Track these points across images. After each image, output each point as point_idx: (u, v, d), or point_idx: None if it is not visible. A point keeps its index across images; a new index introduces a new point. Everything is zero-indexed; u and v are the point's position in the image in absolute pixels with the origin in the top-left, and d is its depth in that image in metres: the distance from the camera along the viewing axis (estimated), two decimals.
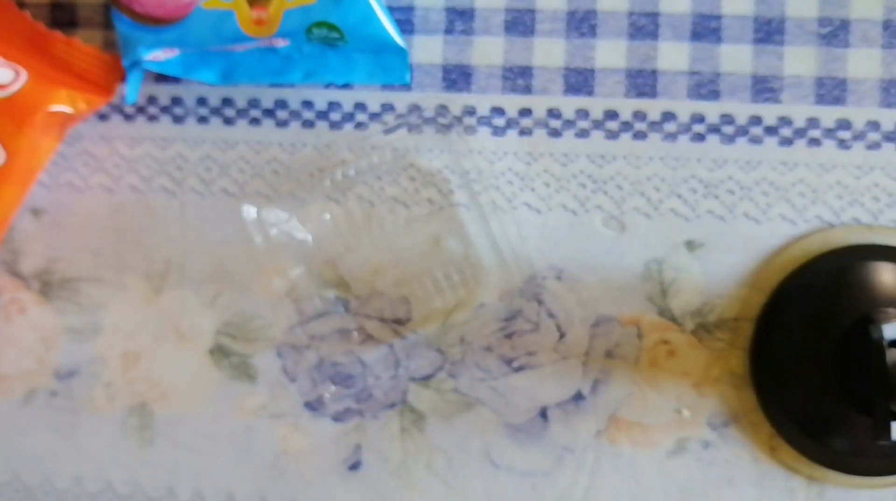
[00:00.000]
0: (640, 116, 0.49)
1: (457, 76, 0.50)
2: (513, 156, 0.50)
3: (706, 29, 0.49)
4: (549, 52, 0.49)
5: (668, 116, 0.49)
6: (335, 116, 0.50)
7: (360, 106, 0.50)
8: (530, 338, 0.50)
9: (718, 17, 0.49)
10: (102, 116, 0.51)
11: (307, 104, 0.50)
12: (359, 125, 0.50)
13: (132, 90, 0.49)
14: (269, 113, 0.51)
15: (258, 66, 0.49)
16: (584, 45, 0.49)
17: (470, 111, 0.50)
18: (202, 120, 0.51)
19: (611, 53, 0.49)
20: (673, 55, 0.49)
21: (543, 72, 0.49)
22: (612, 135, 0.49)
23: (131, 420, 0.51)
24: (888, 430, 0.43)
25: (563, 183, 0.50)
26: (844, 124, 0.48)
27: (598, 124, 0.49)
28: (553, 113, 0.49)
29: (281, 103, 0.50)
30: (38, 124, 0.48)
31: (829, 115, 0.49)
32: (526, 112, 0.50)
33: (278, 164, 0.51)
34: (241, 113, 0.51)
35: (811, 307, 0.48)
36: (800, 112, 0.49)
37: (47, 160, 0.50)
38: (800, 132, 0.49)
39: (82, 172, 0.51)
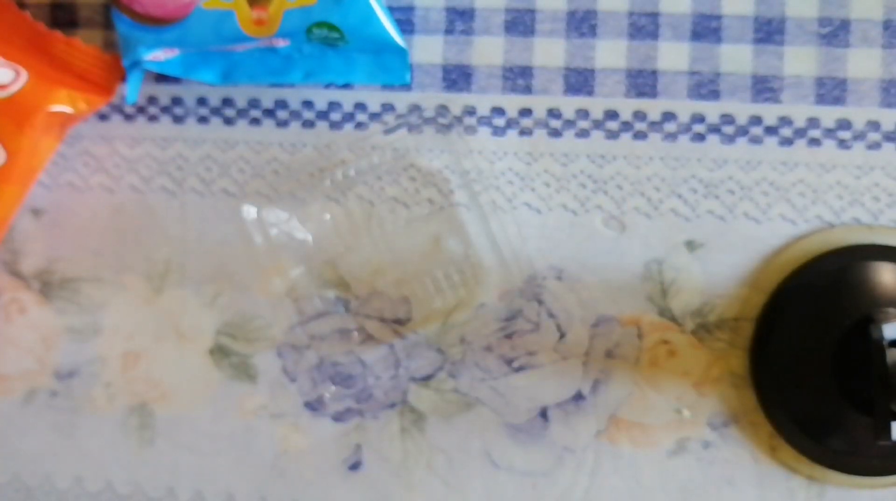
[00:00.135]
0: (640, 116, 0.49)
1: (457, 76, 0.50)
2: (513, 156, 0.50)
3: (706, 29, 0.49)
4: (549, 52, 0.49)
5: (669, 116, 0.49)
6: (335, 116, 0.50)
7: (361, 106, 0.50)
8: (530, 338, 0.50)
9: (718, 17, 0.49)
10: (103, 116, 0.51)
11: (307, 104, 0.50)
12: (359, 125, 0.50)
13: (132, 90, 0.49)
14: (269, 113, 0.51)
15: (258, 66, 0.49)
16: (585, 45, 0.49)
17: (470, 111, 0.50)
18: (202, 120, 0.51)
19: (611, 53, 0.49)
20: (673, 55, 0.49)
21: (543, 72, 0.49)
22: (612, 135, 0.49)
23: (131, 420, 0.51)
24: (888, 430, 0.43)
25: (563, 183, 0.50)
26: (844, 124, 0.48)
27: (598, 124, 0.49)
28: (553, 113, 0.49)
29: (281, 103, 0.50)
30: (39, 124, 0.48)
31: (829, 115, 0.49)
32: (526, 112, 0.50)
33: (278, 164, 0.51)
34: (242, 113, 0.51)
35: (811, 307, 0.48)
36: (800, 112, 0.49)
37: (47, 160, 0.50)
38: (800, 132, 0.49)
39: (82, 173, 0.52)
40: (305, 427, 0.51)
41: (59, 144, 0.50)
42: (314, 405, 0.50)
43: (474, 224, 0.49)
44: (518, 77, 0.50)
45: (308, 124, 0.50)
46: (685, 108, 0.49)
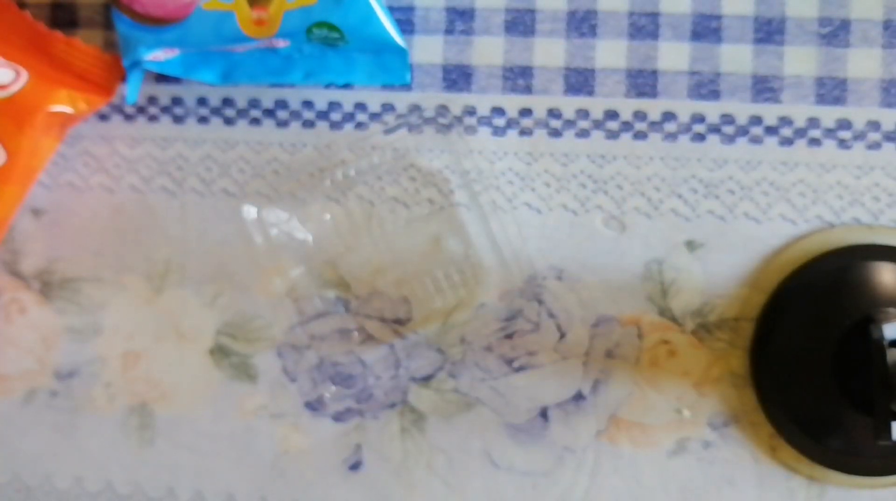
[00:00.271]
0: (640, 116, 0.49)
1: (457, 76, 0.50)
2: (513, 156, 0.50)
3: (706, 29, 0.49)
4: (549, 52, 0.49)
5: (669, 116, 0.49)
6: (335, 116, 0.50)
7: (361, 106, 0.50)
8: (530, 338, 0.50)
9: (719, 17, 0.49)
10: (103, 116, 0.51)
11: (307, 104, 0.50)
12: (359, 125, 0.50)
13: (132, 90, 0.49)
14: (269, 113, 0.51)
15: (258, 66, 0.49)
16: (585, 45, 0.49)
17: (470, 111, 0.50)
18: (202, 120, 0.51)
19: (611, 53, 0.49)
20: (673, 55, 0.49)
21: (544, 72, 0.49)
22: (612, 135, 0.49)
23: (131, 420, 0.51)
24: (888, 430, 0.43)
25: (563, 183, 0.50)
26: (845, 124, 0.48)
27: (598, 124, 0.49)
28: (553, 113, 0.49)
29: (281, 103, 0.50)
30: (39, 124, 0.48)
31: (829, 115, 0.49)
32: (526, 112, 0.50)
33: (279, 164, 0.51)
34: (242, 113, 0.51)
35: (811, 307, 0.48)
36: (800, 112, 0.49)
37: (47, 160, 0.50)
38: (800, 132, 0.49)
39: (82, 173, 0.51)
40: (305, 427, 0.51)
41: (59, 144, 0.50)
42: (314, 405, 0.50)
43: (474, 224, 0.49)
44: (518, 77, 0.50)
45: (308, 124, 0.50)
46: (685, 108, 0.49)
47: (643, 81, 0.49)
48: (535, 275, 0.49)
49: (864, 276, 0.47)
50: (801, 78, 0.49)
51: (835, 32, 0.48)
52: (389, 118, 0.50)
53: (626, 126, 0.49)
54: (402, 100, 0.50)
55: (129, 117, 0.51)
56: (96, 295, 0.51)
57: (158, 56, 0.48)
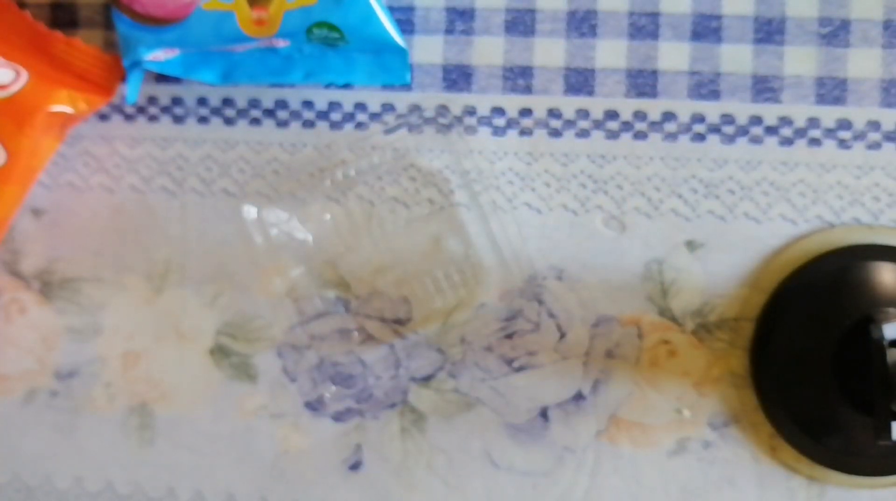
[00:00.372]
0: (640, 116, 0.49)
1: (457, 76, 0.50)
2: (513, 156, 0.50)
3: (706, 29, 0.49)
4: (549, 52, 0.49)
5: (669, 116, 0.49)
6: (335, 116, 0.50)
7: (361, 106, 0.50)
8: (531, 338, 0.50)
9: (719, 17, 0.49)
10: (103, 116, 0.51)
11: (307, 104, 0.50)
12: (359, 125, 0.50)
13: (132, 90, 0.49)
14: (269, 113, 0.51)
15: (258, 66, 0.49)
16: (585, 45, 0.49)
17: (470, 111, 0.50)
18: (202, 120, 0.51)
19: (611, 53, 0.49)
20: (673, 55, 0.49)
21: (544, 72, 0.49)
22: (612, 135, 0.49)
23: (131, 420, 0.51)
24: (888, 430, 0.43)
25: (563, 183, 0.50)
26: (845, 124, 0.48)
27: (598, 124, 0.49)
28: (553, 113, 0.49)
29: (281, 103, 0.50)
30: (39, 125, 0.48)
31: (829, 115, 0.49)
32: (526, 112, 0.50)
33: (279, 164, 0.51)
34: (242, 113, 0.51)
35: (811, 307, 0.48)
36: (800, 112, 0.49)
37: (48, 160, 0.50)
38: (800, 132, 0.49)
39: (82, 173, 0.51)
40: (305, 427, 0.51)
41: (59, 144, 0.50)
42: (314, 405, 0.50)
43: (474, 224, 0.49)
44: (518, 77, 0.50)
45: (308, 124, 0.50)
46: (685, 108, 0.49)
47: (643, 81, 0.49)
48: (535, 275, 0.49)
49: (864, 276, 0.47)
50: (801, 78, 0.49)
51: (835, 32, 0.48)
52: (389, 118, 0.50)
53: (626, 126, 0.49)
54: (402, 100, 0.50)
55: (129, 117, 0.51)
56: (96, 295, 0.51)
57: (158, 56, 0.48)
